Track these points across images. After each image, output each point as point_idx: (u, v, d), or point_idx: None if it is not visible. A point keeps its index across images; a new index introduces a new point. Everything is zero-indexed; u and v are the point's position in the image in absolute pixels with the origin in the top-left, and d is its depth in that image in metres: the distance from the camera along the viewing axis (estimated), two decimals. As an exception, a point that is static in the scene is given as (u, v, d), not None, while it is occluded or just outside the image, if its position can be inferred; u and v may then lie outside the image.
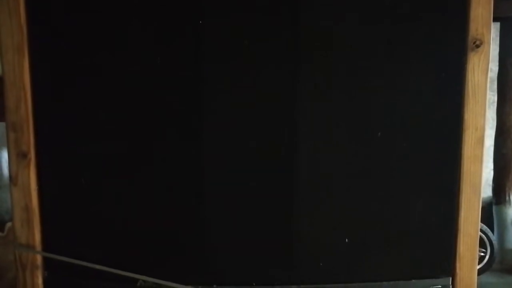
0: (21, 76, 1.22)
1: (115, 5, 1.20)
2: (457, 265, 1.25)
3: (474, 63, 1.18)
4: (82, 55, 1.22)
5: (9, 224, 3.48)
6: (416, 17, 1.18)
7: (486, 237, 3.91)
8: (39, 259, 1.28)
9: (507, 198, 4.18)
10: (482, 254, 3.88)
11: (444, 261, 1.25)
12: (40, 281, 1.28)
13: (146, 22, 1.21)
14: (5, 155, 4.91)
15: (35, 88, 1.23)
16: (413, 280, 1.25)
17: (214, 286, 1.25)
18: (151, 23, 1.21)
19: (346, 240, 1.24)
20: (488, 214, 4.21)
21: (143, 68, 1.21)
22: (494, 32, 4.33)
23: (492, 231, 4.08)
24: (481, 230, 3.94)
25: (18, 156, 1.25)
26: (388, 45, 1.19)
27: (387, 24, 1.19)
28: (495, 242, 3.95)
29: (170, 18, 1.19)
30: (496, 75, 4.13)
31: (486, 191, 4.32)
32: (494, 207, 4.22)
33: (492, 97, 4.23)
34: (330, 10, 1.19)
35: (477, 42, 1.17)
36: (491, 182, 4.27)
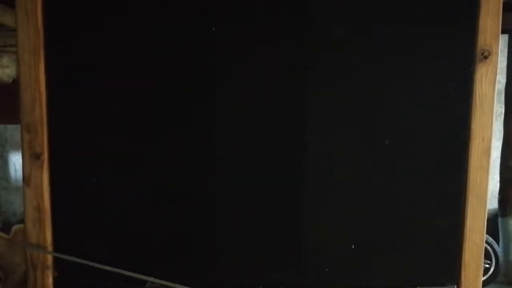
0: (37, 78, 1.25)
1: (131, 12, 1.23)
2: (463, 273, 1.25)
3: (482, 73, 1.19)
4: (97, 59, 1.25)
5: (15, 227, 3.51)
6: (425, 27, 1.20)
7: (492, 249, 3.89)
8: (49, 259, 1.30)
9: (513, 210, 4.15)
10: (487, 266, 3.85)
11: (450, 269, 1.26)
12: (50, 281, 1.30)
13: (161, 28, 1.23)
14: (13, 158, 4.95)
15: (49, 90, 1.26)
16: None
17: (221, 289, 1.27)
18: (165, 29, 1.23)
19: (352, 246, 1.25)
20: (494, 226, 4.19)
21: (157, 72, 1.24)
22: (502, 44, 4.32)
23: (498, 243, 4.06)
24: (487, 242, 3.92)
25: (31, 157, 1.27)
26: (397, 54, 1.21)
27: (397, 33, 1.20)
28: (500, 254, 3.92)
29: (184, 24, 1.22)
30: (503, 87, 4.12)
31: (492, 203, 4.30)
32: (499, 219, 4.19)
33: (499, 109, 4.22)
34: (341, 20, 1.21)
35: (485, 53, 1.18)
36: (497, 194, 4.25)
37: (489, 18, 1.17)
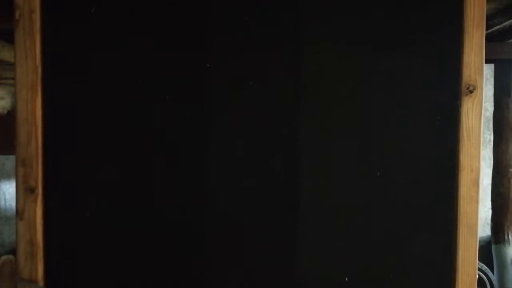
0: (33, 113, 1.27)
1: (130, 52, 1.27)
2: (457, 304, 1.26)
3: (468, 107, 1.23)
4: (92, 98, 1.28)
5: (3, 257, 3.47)
6: (413, 61, 1.24)
7: (486, 277, 3.87)
8: (41, 293, 1.29)
9: (506, 237, 4.15)
10: (483, 294, 3.83)
11: (443, 301, 1.26)
12: (41, 316, 1.29)
13: (159, 55, 1.26)
14: (2, 187, 4.89)
15: (45, 125, 1.28)
16: (412, 320, 1.26)
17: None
18: (162, 55, 1.26)
19: (346, 278, 1.25)
20: (487, 253, 4.18)
21: (154, 108, 1.26)
22: (489, 73, 4.44)
23: (492, 270, 4.05)
24: (481, 270, 3.90)
25: (26, 191, 1.28)
26: (386, 89, 1.25)
27: (385, 68, 1.24)
28: (495, 282, 3.91)
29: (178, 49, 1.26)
30: (491, 115, 4.20)
31: (485, 230, 4.30)
32: (493, 246, 4.19)
33: (488, 136, 4.28)
34: (327, 57, 1.25)
35: (471, 88, 1.22)
36: (489, 221, 4.27)
37: (473, 53, 1.22)
